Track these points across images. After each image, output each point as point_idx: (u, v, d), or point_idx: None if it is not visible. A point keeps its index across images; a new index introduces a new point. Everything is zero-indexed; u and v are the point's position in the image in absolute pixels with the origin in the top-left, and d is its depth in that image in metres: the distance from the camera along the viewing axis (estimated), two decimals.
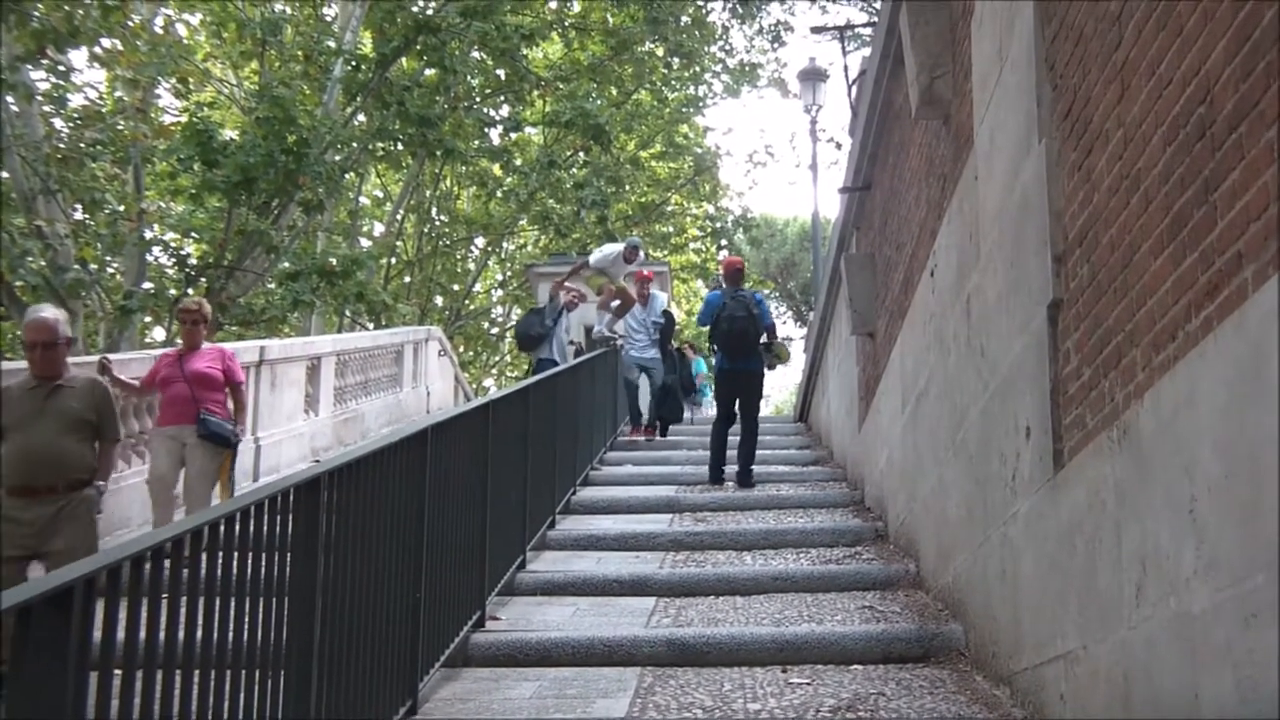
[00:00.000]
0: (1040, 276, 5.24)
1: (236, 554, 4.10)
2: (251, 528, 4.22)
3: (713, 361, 15.56)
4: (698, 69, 32.48)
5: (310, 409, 16.06)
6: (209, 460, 9.91)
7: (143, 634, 3.41)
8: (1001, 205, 5.97)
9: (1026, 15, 5.50)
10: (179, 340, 10.69)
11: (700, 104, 35.04)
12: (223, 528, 3.99)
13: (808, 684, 6.46)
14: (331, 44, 24.16)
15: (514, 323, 17.32)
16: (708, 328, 13.44)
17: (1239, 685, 3.15)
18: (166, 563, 3.58)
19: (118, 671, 3.27)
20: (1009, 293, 5.84)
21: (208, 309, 10.96)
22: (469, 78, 26.87)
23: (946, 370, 7.57)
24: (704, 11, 30.89)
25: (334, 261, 21.44)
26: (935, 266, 7.93)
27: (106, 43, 20.66)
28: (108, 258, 23.06)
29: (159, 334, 24.83)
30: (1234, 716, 3.18)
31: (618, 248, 17.78)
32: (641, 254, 18.24)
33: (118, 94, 23.28)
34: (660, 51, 30.30)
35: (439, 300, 34.72)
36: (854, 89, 13.66)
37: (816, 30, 21.34)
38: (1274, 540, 2.96)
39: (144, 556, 3.42)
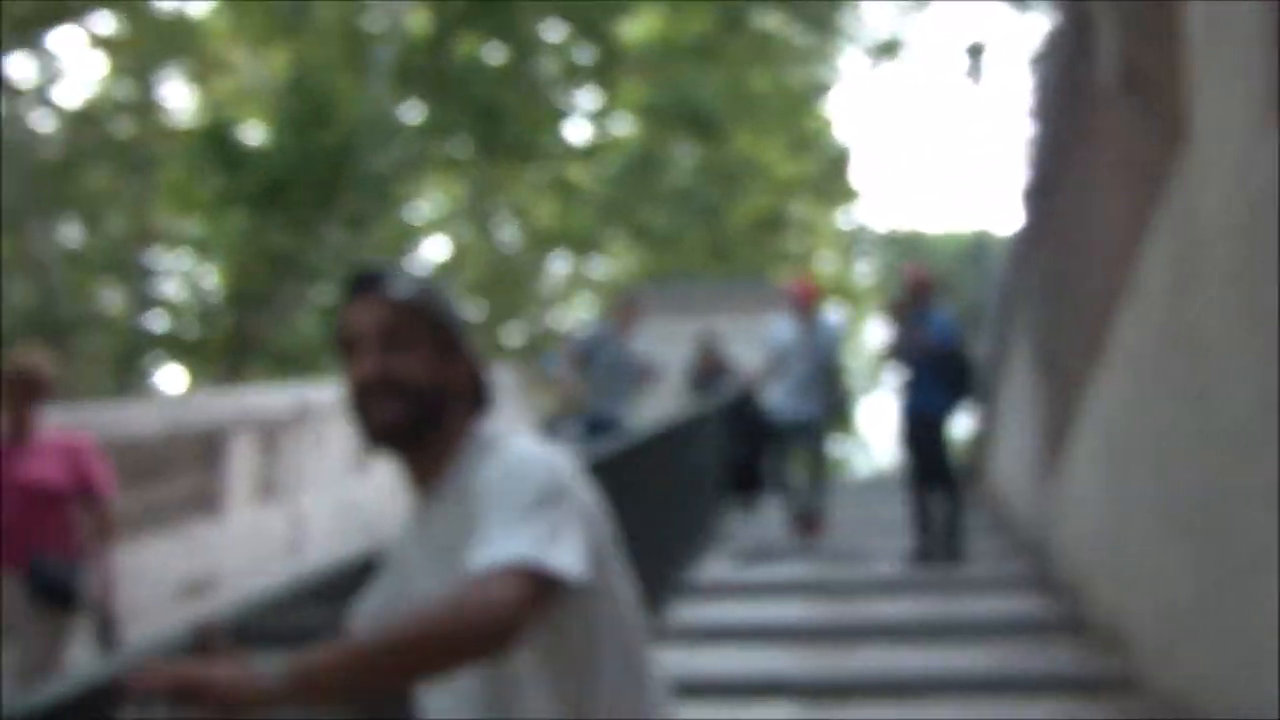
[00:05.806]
0: None
1: None
2: None
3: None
4: (825, 45, 32.44)
5: (360, 470, 16.26)
6: (45, 633, 7.06)
7: None
8: (1227, 213, 5.91)
9: None
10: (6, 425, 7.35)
11: (826, 90, 35.03)
12: None
13: None
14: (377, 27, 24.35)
15: None
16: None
17: None
18: None
19: None
20: (1239, 323, 5.78)
21: (47, 371, 7.50)
22: (544, 58, 26.98)
23: (1156, 417, 7.52)
24: None
25: None
26: (1142, 288, 7.89)
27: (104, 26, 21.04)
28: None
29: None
30: None
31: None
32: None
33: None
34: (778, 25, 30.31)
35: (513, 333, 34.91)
36: (1033, 71, 13.66)
37: None
38: None
39: None
